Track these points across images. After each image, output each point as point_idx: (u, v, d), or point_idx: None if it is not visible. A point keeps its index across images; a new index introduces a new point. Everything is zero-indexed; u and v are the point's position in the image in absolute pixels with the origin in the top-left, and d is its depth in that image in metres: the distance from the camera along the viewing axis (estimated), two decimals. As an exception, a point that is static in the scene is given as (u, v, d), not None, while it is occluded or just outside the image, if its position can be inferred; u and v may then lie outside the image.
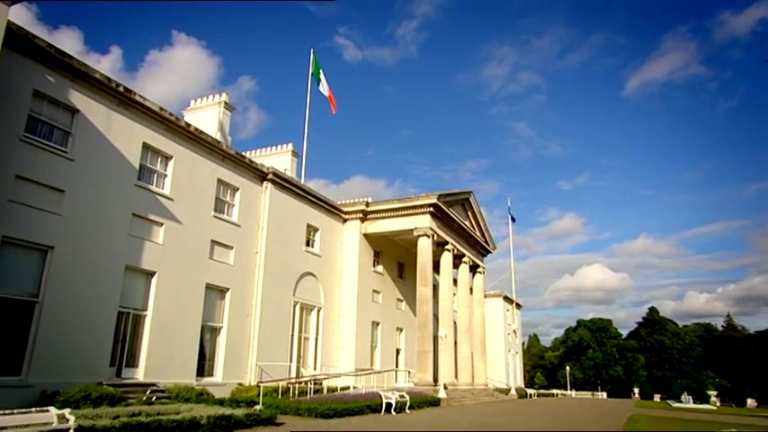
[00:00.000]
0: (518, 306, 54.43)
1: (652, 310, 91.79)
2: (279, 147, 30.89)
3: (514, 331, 51.80)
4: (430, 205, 27.29)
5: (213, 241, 20.10)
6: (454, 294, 34.26)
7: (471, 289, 35.27)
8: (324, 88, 30.31)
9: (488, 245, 35.75)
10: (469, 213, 33.27)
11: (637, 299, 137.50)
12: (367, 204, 28.28)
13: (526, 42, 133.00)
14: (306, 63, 29.94)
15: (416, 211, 27.52)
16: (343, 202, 29.72)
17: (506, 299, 51.04)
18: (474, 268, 35.00)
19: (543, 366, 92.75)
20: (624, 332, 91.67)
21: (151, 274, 17.57)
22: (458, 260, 32.38)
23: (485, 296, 37.76)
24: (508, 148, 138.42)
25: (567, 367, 75.26)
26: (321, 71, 30.30)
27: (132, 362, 16.57)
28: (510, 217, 50.56)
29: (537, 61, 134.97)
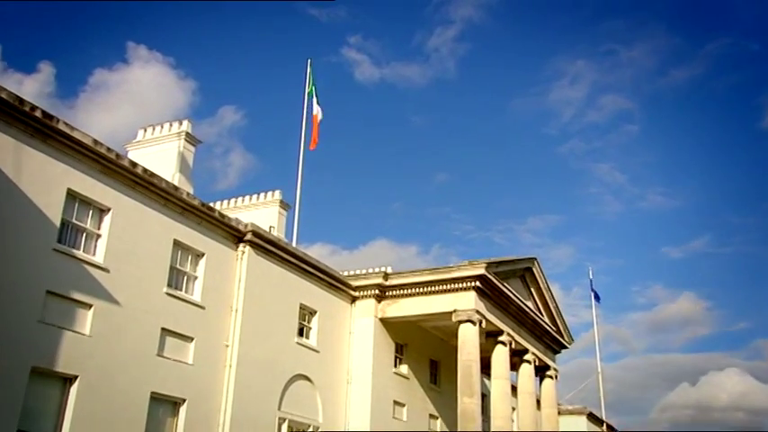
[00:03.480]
0: (611, 429, 52.69)
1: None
2: (261, 196, 31.14)
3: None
4: (475, 278, 27.03)
5: (165, 330, 19.96)
6: (513, 409, 32.89)
7: (539, 401, 34.66)
8: (318, 110, 31.10)
9: (562, 336, 35.50)
10: (533, 290, 33.01)
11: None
12: (385, 276, 28.22)
13: (610, 54, 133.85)
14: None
15: (456, 285, 27.32)
16: (352, 272, 29.48)
17: (592, 417, 49.30)
18: (542, 370, 34.68)
19: None
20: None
21: (70, 379, 17.14)
22: (518, 358, 32.04)
23: (559, 412, 37.26)
24: (587, 200, 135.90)
25: None
26: (314, 92, 31.17)
27: None
28: (593, 296, 49.45)
29: (626, 79, 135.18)
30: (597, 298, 49.87)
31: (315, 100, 30.86)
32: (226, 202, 31.49)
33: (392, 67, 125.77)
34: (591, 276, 50.04)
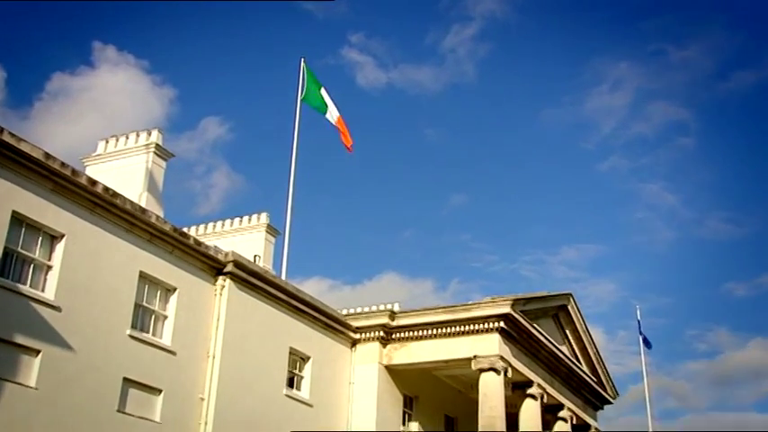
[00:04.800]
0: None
1: None
2: (245, 219, 31.12)
3: None
4: (500, 317, 26.89)
5: (128, 381, 19.77)
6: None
7: (576, 466, 34.42)
8: (332, 115, 31.11)
9: (605, 389, 35.19)
10: (568, 333, 32.89)
11: None
12: (392, 315, 28.18)
13: (659, 55, 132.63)
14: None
15: (477, 327, 27.20)
16: (353, 311, 29.47)
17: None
18: (581, 430, 34.32)
19: None
20: None
21: (11, 443, 16.76)
22: (551, 414, 31.78)
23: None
24: (633, 227, 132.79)
25: None
26: (323, 90, 31.22)
27: None
28: (642, 341, 48.58)
29: (678, 84, 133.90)
30: (647, 343, 49.18)
31: (329, 102, 31.15)
32: (202, 226, 31.56)
33: (401, 71, 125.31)
34: (639, 317, 49.25)
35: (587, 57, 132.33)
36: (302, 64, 31.33)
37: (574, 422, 32.58)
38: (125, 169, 25.11)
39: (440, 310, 27.63)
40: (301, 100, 31.07)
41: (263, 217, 31.02)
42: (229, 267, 22.97)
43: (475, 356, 26.86)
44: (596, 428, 35.03)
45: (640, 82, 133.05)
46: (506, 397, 27.20)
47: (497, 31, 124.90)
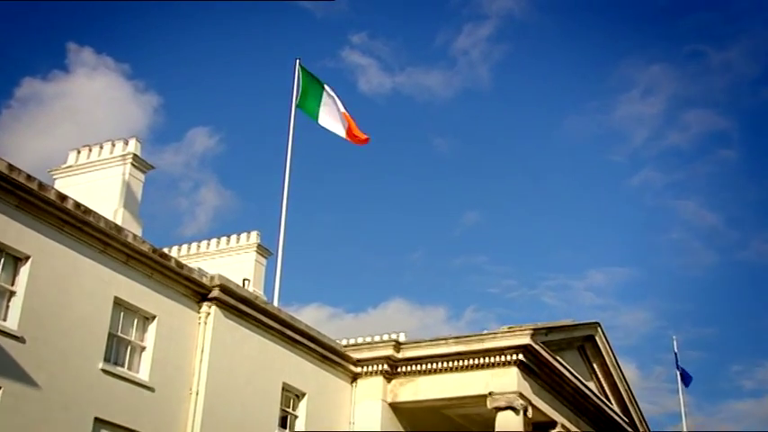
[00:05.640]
0: None
1: None
2: (234, 239, 31.22)
3: None
4: (518, 349, 26.83)
5: (100, 421, 19.69)
6: None
7: None
8: (328, 116, 31.09)
9: (637, 430, 35.00)
10: (596, 367, 32.82)
11: None
12: (397, 346, 28.13)
13: (697, 57, 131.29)
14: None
15: (493, 359, 27.17)
16: (353, 342, 29.53)
17: None
18: None
19: None
20: None
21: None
22: None
23: None
24: (668, 249, 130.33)
25: None
26: (326, 87, 31.42)
27: None
28: (680, 377, 48.45)
29: (718, 90, 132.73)
30: (685, 380, 49.03)
31: (331, 100, 31.27)
32: (185, 247, 31.77)
33: (408, 75, 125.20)
34: (675, 350, 49.25)
35: (615, 59, 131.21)
36: (297, 65, 31.41)
37: (603, 468, 32.49)
38: (99, 183, 25.06)
39: (451, 341, 27.51)
40: (296, 106, 31.17)
41: (254, 236, 31.13)
42: (215, 293, 22.92)
43: (491, 393, 26.72)
44: (627, 475, 34.65)
45: (675, 87, 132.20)
46: (527, 439, 26.88)
47: (515, 30, 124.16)
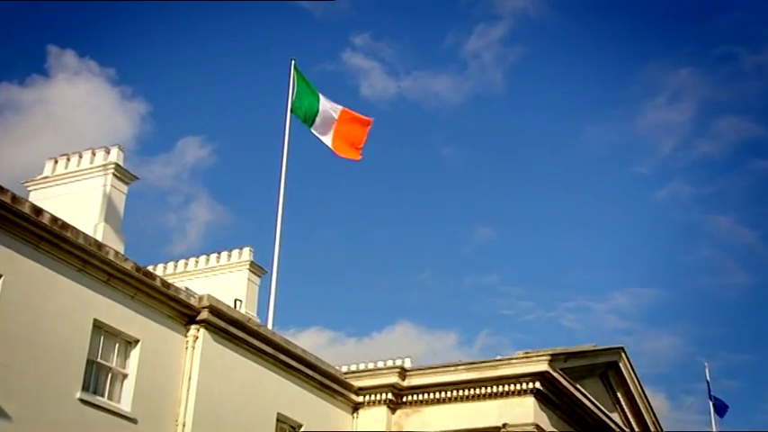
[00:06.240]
0: None
1: None
2: (224, 256, 31.25)
3: None
4: (535, 376, 26.85)
5: None
6: None
7: None
8: (321, 127, 30.91)
9: None
10: (620, 396, 32.80)
11: None
12: (402, 373, 28.19)
13: (729, 59, 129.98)
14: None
15: (507, 388, 27.15)
16: (355, 368, 29.38)
17: None
18: None
19: None
20: None
21: None
22: None
23: None
24: (699, 268, 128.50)
25: None
26: (321, 97, 31.44)
27: None
28: (713, 407, 47.89)
29: (752, 95, 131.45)
30: (720, 410, 48.60)
31: (324, 103, 31.33)
32: (172, 265, 31.72)
33: (414, 79, 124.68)
34: (708, 378, 49.13)
35: (640, 62, 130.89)
36: (292, 67, 31.44)
37: None
38: (78, 195, 25.08)
39: (461, 368, 27.50)
40: (291, 112, 31.21)
41: (246, 252, 31.08)
42: (204, 314, 22.83)
43: (505, 425, 26.59)
44: None
45: (706, 92, 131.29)
46: (544, 476, 27.20)
47: (530, 31, 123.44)
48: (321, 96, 31.43)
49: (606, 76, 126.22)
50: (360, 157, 31.97)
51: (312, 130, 31.43)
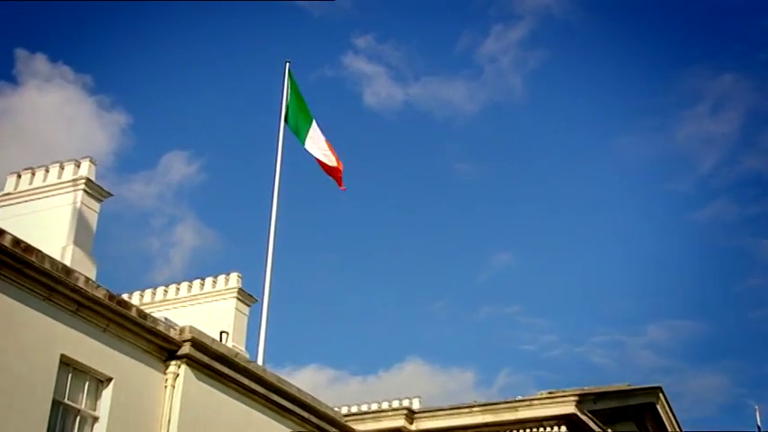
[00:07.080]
0: None
1: None
2: (209, 282, 31.40)
3: None
4: (561, 419, 27.43)
5: None
6: None
7: None
8: (314, 144, 31.35)
9: None
10: None
11: None
12: (410, 416, 28.68)
13: None
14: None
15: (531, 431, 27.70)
16: (356, 410, 29.21)
17: None
18: None
19: None
20: None
21: None
22: None
23: None
24: (746, 299, 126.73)
25: None
26: (309, 116, 31.82)
27: None
28: None
29: None
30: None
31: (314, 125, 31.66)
32: (149, 292, 31.61)
33: (423, 86, 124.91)
34: (759, 422, 48.99)
35: (678, 67, 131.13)
36: (286, 70, 31.57)
37: None
38: (44, 214, 25.23)
39: (476, 410, 28.03)
40: (285, 121, 31.40)
41: (234, 279, 30.98)
42: (185, 349, 22.68)
43: (527, 474, 26.86)
44: None
45: (752, 101, 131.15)
46: None
47: (554, 33, 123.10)
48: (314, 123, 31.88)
49: (639, 82, 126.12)
50: (343, 188, 32.49)
51: (306, 147, 31.76)
